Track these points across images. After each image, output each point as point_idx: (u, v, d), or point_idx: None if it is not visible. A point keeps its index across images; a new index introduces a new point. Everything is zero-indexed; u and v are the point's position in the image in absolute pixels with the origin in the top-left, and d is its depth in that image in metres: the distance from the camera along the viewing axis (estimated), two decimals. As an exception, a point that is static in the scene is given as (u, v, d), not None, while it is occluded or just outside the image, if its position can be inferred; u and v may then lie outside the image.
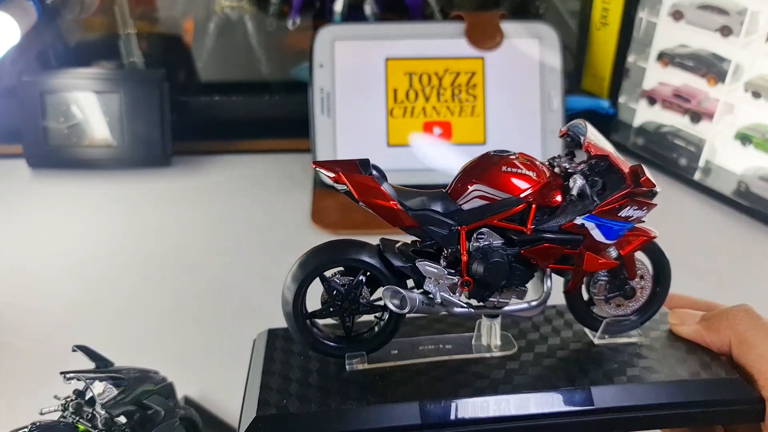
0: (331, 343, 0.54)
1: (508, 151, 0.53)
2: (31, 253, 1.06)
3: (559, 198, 0.52)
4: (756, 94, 1.10)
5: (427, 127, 1.19)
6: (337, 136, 1.18)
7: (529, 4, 1.42)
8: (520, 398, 0.51)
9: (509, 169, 0.51)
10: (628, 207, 0.52)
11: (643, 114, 1.28)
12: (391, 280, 0.52)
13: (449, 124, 1.19)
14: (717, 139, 1.17)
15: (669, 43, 1.20)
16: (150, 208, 1.16)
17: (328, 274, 0.53)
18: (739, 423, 0.55)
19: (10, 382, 0.84)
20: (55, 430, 0.57)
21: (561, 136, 0.54)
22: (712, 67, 1.15)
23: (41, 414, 0.58)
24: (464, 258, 0.51)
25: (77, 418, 0.58)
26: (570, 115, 1.21)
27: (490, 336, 0.56)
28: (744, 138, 1.13)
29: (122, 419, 0.58)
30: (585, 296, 0.57)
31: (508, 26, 1.19)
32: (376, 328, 0.55)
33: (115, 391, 0.59)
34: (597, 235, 0.52)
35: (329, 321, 0.55)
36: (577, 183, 0.52)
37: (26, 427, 0.56)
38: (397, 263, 0.52)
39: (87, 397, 0.59)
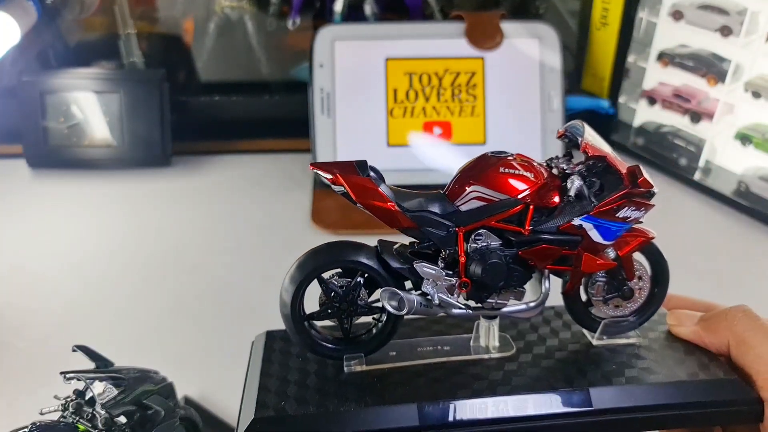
0: (329, 345, 0.54)
1: (505, 152, 0.53)
2: (31, 253, 1.06)
3: (556, 199, 0.52)
4: (756, 94, 1.10)
5: (427, 127, 1.19)
6: (337, 136, 1.18)
7: (529, 4, 1.42)
8: (519, 399, 0.51)
9: (507, 170, 0.51)
10: (626, 208, 0.52)
11: (643, 114, 1.28)
12: (389, 282, 0.52)
13: (449, 124, 1.19)
14: (717, 139, 1.17)
15: (669, 43, 1.20)
16: (150, 208, 1.16)
17: (326, 275, 0.53)
18: (737, 424, 0.54)
19: (10, 382, 0.84)
20: (55, 430, 0.57)
21: (558, 137, 0.54)
22: (712, 67, 1.15)
23: (41, 414, 0.58)
24: (462, 259, 0.51)
25: (77, 418, 0.58)
26: (570, 115, 1.21)
27: (489, 337, 0.56)
28: (744, 138, 1.13)
29: (122, 419, 0.58)
30: (583, 297, 0.57)
31: (508, 26, 1.19)
32: (374, 330, 0.55)
33: (115, 391, 0.59)
34: (595, 236, 0.52)
35: (327, 323, 0.55)
36: (574, 184, 0.52)
37: (26, 427, 0.56)
38: (394, 265, 0.52)
39: (87, 397, 0.59)
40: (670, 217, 1.13)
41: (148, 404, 0.61)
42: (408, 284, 0.53)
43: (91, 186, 1.21)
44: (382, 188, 0.50)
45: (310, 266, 0.52)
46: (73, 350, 0.63)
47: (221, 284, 1.00)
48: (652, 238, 0.55)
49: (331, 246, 0.53)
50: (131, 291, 0.99)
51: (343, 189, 0.50)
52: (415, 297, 0.52)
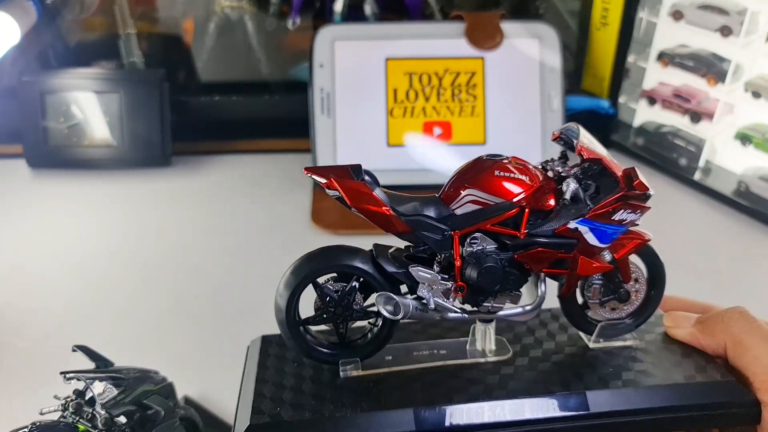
0: (325, 350, 0.54)
1: (500, 155, 0.52)
2: (31, 253, 1.06)
3: (552, 202, 0.52)
4: (756, 94, 1.10)
5: (427, 127, 1.19)
6: (337, 136, 1.18)
7: (529, 4, 1.42)
8: (515, 404, 0.51)
9: (502, 174, 0.51)
10: (622, 210, 0.52)
11: (643, 114, 1.28)
12: (385, 286, 0.52)
13: (449, 124, 1.19)
14: (717, 139, 1.17)
15: (669, 43, 1.20)
16: (150, 208, 1.16)
17: (321, 280, 0.53)
18: (734, 426, 0.54)
19: (10, 382, 0.85)
20: (55, 430, 0.57)
21: (554, 140, 0.54)
22: (712, 67, 1.15)
23: (41, 414, 0.59)
24: (458, 263, 0.51)
25: (77, 418, 0.58)
26: (570, 115, 1.21)
27: (485, 340, 0.56)
28: (744, 138, 1.13)
29: (122, 419, 0.58)
30: (579, 300, 0.57)
31: (508, 26, 1.19)
32: (370, 335, 0.55)
33: (115, 391, 0.59)
34: (591, 239, 0.52)
35: (323, 327, 0.55)
36: (570, 187, 0.52)
37: (26, 427, 0.56)
38: (390, 269, 0.52)
39: (87, 397, 0.60)
40: (670, 218, 1.13)
41: (148, 404, 0.61)
42: (403, 288, 0.53)
43: (91, 186, 1.21)
44: (377, 192, 0.50)
45: (305, 271, 0.52)
46: (73, 350, 0.63)
47: (221, 284, 1.00)
48: (648, 240, 0.55)
49: (325, 250, 0.53)
50: (131, 291, 0.99)
51: (337, 193, 0.50)
52: (410, 301, 0.52)
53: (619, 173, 0.52)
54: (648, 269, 0.58)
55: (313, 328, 0.55)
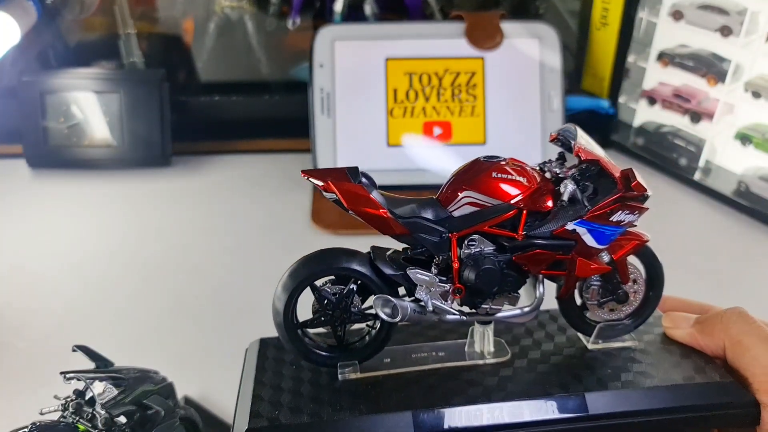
0: (323, 353, 0.54)
1: (498, 157, 0.52)
2: (31, 253, 1.06)
3: (550, 203, 0.52)
4: (756, 94, 1.10)
5: (427, 127, 1.19)
6: (337, 136, 1.18)
7: (529, 4, 1.42)
8: (514, 406, 0.50)
9: (499, 175, 0.51)
10: (620, 211, 0.52)
11: (643, 114, 1.27)
12: (383, 289, 0.52)
13: (449, 124, 1.19)
14: (717, 139, 1.17)
15: (669, 43, 1.20)
16: (150, 208, 1.17)
17: (318, 283, 0.53)
18: (734, 427, 0.54)
19: (10, 382, 0.85)
20: (55, 430, 0.57)
21: (551, 141, 0.54)
22: (712, 67, 1.15)
23: (41, 414, 0.59)
24: (455, 265, 0.51)
25: (77, 418, 0.58)
26: (570, 115, 1.21)
27: (484, 342, 0.56)
28: (744, 138, 1.13)
29: (122, 419, 0.58)
30: (578, 301, 0.57)
31: (508, 26, 1.19)
32: (368, 337, 0.55)
33: (115, 391, 0.59)
34: (589, 240, 0.52)
35: (321, 330, 0.55)
36: (567, 188, 0.52)
37: (26, 427, 0.56)
38: (388, 271, 0.52)
39: (87, 397, 0.60)
40: (670, 217, 1.13)
41: (148, 404, 0.61)
42: (401, 290, 0.53)
43: (91, 186, 1.21)
44: (374, 195, 0.50)
45: (303, 274, 0.52)
46: (73, 350, 0.63)
47: (221, 284, 1.00)
48: (647, 241, 0.55)
49: (323, 253, 0.53)
50: (131, 291, 0.99)
51: (334, 196, 0.50)
52: (408, 304, 0.52)
53: (617, 174, 0.52)
54: (646, 270, 0.58)
55: (311, 330, 0.55)
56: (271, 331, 0.55)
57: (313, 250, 0.54)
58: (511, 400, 0.51)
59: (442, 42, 1.19)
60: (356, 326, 0.55)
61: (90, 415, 0.58)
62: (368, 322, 0.54)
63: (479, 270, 0.51)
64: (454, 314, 0.53)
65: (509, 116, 1.19)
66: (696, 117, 1.19)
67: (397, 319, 0.51)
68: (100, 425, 0.57)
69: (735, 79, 1.12)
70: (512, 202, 0.51)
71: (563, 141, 0.53)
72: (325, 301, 0.52)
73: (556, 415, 0.50)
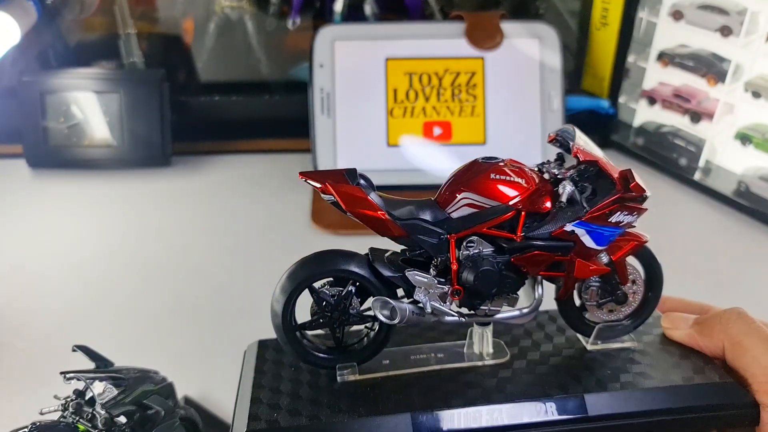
0: (322, 355, 0.54)
1: (496, 158, 0.52)
2: (31, 253, 1.06)
3: (548, 204, 0.52)
4: (756, 94, 1.10)
5: (427, 127, 1.19)
6: (337, 136, 1.18)
7: (529, 4, 1.42)
8: (513, 407, 0.50)
9: (498, 177, 0.51)
10: (619, 212, 0.52)
11: (643, 114, 1.27)
12: (381, 290, 0.52)
13: (449, 124, 1.19)
14: (717, 139, 1.16)
15: (669, 43, 1.20)
16: (150, 208, 1.17)
17: (317, 285, 0.53)
18: (733, 427, 0.54)
19: (10, 382, 0.85)
20: (55, 430, 0.57)
21: (549, 142, 0.54)
22: (712, 67, 1.14)
23: (41, 414, 0.59)
24: (454, 267, 0.51)
25: (77, 418, 0.58)
26: (570, 115, 1.21)
27: (482, 344, 0.56)
28: (744, 138, 1.13)
29: (122, 419, 0.58)
30: (577, 302, 0.57)
31: (508, 26, 1.19)
32: (367, 339, 0.55)
33: (115, 391, 0.59)
34: (587, 241, 0.52)
35: (319, 332, 0.55)
36: (566, 189, 0.52)
37: (26, 427, 0.56)
38: (386, 273, 0.52)
39: (87, 397, 0.60)
40: (670, 218, 1.13)
41: (148, 404, 0.61)
42: (400, 292, 0.53)
43: (91, 186, 1.21)
44: (372, 196, 0.50)
45: (301, 276, 0.52)
46: (73, 350, 0.63)
47: (221, 284, 1.00)
48: (645, 242, 0.55)
49: (321, 255, 0.53)
50: (131, 291, 0.99)
51: (332, 198, 0.50)
52: (407, 305, 0.52)
53: (616, 175, 0.52)
54: (645, 271, 0.58)
55: (310, 332, 0.55)
56: (272, 331, 0.55)
57: (313, 251, 0.53)
58: (510, 401, 0.51)
59: (442, 42, 1.19)
60: (355, 328, 0.55)
61: (90, 415, 0.58)
62: (367, 324, 0.54)
63: (478, 271, 0.51)
64: (453, 316, 0.53)
65: (509, 116, 1.19)
66: (696, 117, 1.18)
67: (396, 320, 0.51)
68: (100, 425, 0.58)
69: (735, 79, 1.12)
70: (511, 203, 0.51)
71: (562, 142, 0.53)
72: (324, 303, 0.52)
73: (556, 416, 0.50)
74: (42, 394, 0.60)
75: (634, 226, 0.54)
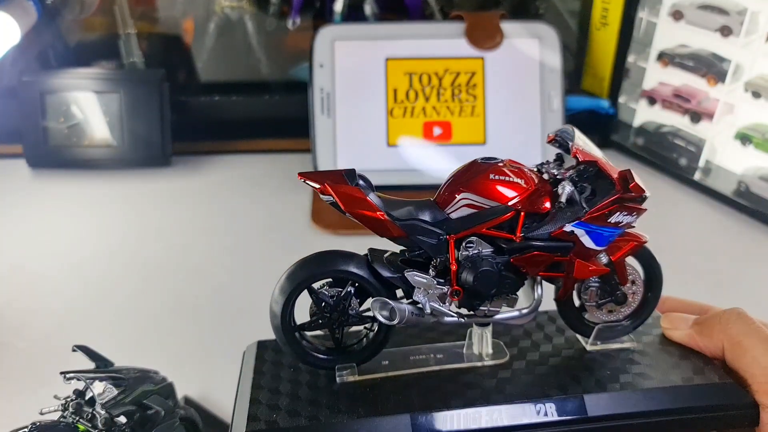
0: (321, 355, 0.54)
1: (495, 159, 0.52)
2: (31, 253, 1.06)
3: (548, 205, 0.52)
4: (756, 94, 1.10)
5: (427, 127, 1.19)
6: (337, 136, 1.18)
7: (529, 4, 1.42)
8: (513, 408, 0.50)
9: (497, 177, 0.51)
10: (618, 213, 0.52)
11: (643, 114, 1.27)
12: (380, 291, 0.52)
13: (449, 124, 1.19)
14: (717, 139, 1.16)
15: (669, 43, 1.20)
16: (150, 208, 1.17)
17: (316, 285, 0.53)
18: (733, 428, 0.54)
19: (10, 382, 0.85)
20: (55, 430, 0.57)
21: (548, 142, 0.54)
22: (712, 67, 1.14)
23: (41, 414, 0.59)
24: (453, 267, 0.51)
25: (77, 418, 0.58)
26: (570, 115, 1.21)
27: (482, 344, 0.56)
28: (744, 138, 1.13)
29: (122, 419, 0.58)
30: (576, 303, 0.57)
31: (508, 26, 1.19)
32: (366, 340, 0.55)
33: (115, 391, 0.59)
34: (587, 241, 0.52)
35: (319, 332, 0.54)
36: (565, 190, 0.52)
37: (26, 427, 0.56)
38: (385, 274, 0.52)
39: (87, 397, 0.60)
40: (670, 218, 1.13)
41: (148, 404, 0.61)
42: (399, 293, 0.53)
43: (91, 186, 1.21)
44: (371, 197, 0.50)
45: (300, 277, 0.52)
46: (73, 350, 0.63)
47: (221, 284, 1.00)
48: (645, 242, 0.55)
49: (320, 256, 0.53)
50: (131, 291, 0.99)
51: (331, 199, 0.50)
52: (406, 306, 0.52)
53: (615, 175, 0.52)
54: (645, 271, 0.58)
55: (309, 333, 0.55)
56: (271, 331, 0.55)
57: (313, 251, 0.53)
58: (509, 402, 0.51)
59: (442, 42, 1.19)
60: (354, 329, 0.55)
61: (90, 415, 0.58)
62: (366, 325, 0.54)
63: (477, 272, 0.51)
64: (452, 316, 0.53)
65: (509, 116, 1.19)
66: (696, 117, 1.18)
67: (395, 321, 0.51)
68: (100, 425, 0.57)
69: (735, 79, 1.12)
70: (510, 203, 0.51)
71: (561, 142, 0.53)
72: (323, 304, 0.52)
73: (555, 417, 0.50)
74: (42, 394, 0.60)
75: (634, 227, 0.54)
